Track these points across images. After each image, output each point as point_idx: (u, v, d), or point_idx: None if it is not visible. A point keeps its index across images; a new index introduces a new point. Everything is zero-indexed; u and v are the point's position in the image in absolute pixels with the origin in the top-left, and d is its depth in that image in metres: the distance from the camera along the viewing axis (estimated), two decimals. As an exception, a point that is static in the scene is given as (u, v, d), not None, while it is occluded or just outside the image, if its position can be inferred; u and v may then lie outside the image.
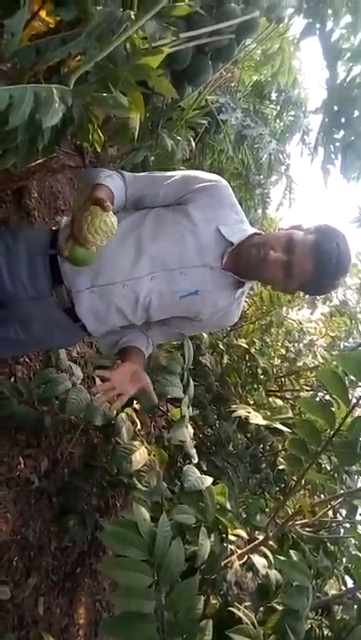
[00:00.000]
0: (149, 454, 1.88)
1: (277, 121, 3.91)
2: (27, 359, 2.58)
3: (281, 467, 2.66)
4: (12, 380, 2.41)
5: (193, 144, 2.70)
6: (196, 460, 1.76)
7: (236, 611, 1.41)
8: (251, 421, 2.44)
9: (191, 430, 2.17)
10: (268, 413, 2.83)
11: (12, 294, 1.42)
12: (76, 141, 3.53)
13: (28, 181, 2.82)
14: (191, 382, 1.82)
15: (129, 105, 1.57)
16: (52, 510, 2.34)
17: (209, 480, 1.56)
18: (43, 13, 1.73)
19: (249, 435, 2.77)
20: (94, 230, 1.15)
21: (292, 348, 4.32)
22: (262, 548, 1.67)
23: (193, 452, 1.78)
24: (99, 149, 1.74)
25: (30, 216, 2.96)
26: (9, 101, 1.32)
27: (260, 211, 4.54)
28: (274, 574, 1.63)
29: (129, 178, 1.45)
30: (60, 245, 1.22)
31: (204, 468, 2.71)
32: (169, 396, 1.74)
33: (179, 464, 2.42)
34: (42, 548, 2.23)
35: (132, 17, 1.39)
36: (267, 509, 2.52)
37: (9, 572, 2.02)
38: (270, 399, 3.31)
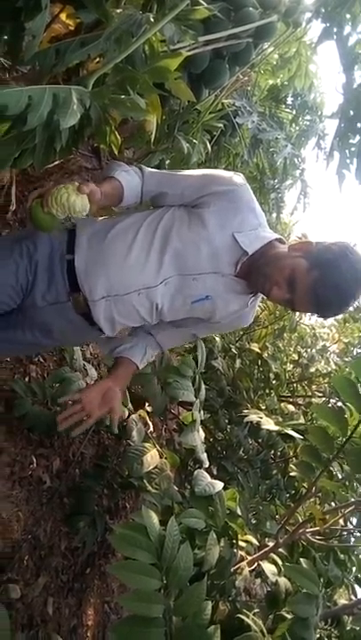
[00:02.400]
0: (161, 457, 1.87)
1: (293, 125, 3.90)
2: (41, 359, 2.60)
3: (292, 473, 2.64)
4: (27, 379, 2.43)
5: (209, 147, 2.70)
6: (206, 465, 1.75)
7: (244, 617, 1.40)
8: (262, 427, 2.42)
9: (202, 434, 2.16)
10: (280, 419, 2.81)
11: (31, 300, 1.43)
12: (92, 143, 3.56)
13: (45, 182, 2.85)
14: (203, 386, 1.81)
15: (146, 107, 1.58)
16: (62, 510, 2.34)
17: (220, 485, 1.55)
18: (63, 16, 1.74)
19: (260, 440, 2.75)
20: (54, 198, 1.18)
21: (304, 354, 4.29)
22: (272, 555, 1.65)
23: (204, 456, 1.78)
24: (115, 151, 1.74)
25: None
26: (28, 102, 1.34)
27: (274, 215, 4.52)
28: (283, 582, 1.62)
29: (147, 173, 1.44)
30: (29, 196, 1.25)
31: (215, 473, 2.70)
32: (180, 400, 1.73)
33: (189, 468, 2.41)
34: (52, 547, 2.23)
35: (151, 20, 1.40)
36: (277, 516, 2.49)
37: (19, 570, 2.03)
38: (282, 405, 3.29)
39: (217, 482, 1.54)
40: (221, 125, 2.66)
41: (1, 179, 2.39)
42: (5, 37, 1.59)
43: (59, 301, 1.41)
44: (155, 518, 1.24)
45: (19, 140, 1.50)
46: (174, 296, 1.38)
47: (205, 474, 1.56)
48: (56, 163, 2.68)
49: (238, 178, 1.40)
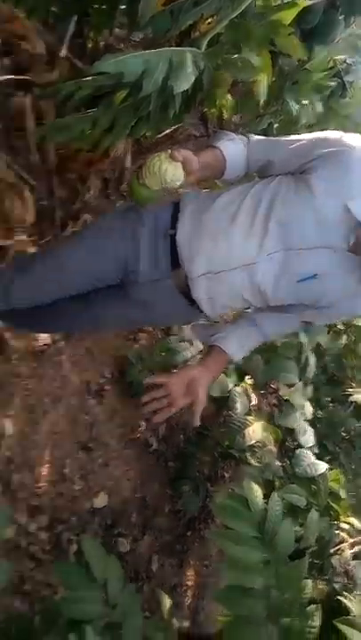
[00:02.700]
0: (264, 431, 1.84)
1: None
2: (150, 327, 2.67)
3: None
4: (137, 346, 2.52)
5: (319, 108, 2.51)
6: (309, 445, 1.68)
7: (344, 600, 1.35)
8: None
9: (310, 409, 2.09)
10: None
11: (134, 276, 1.39)
12: (201, 110, 3.50)
13: (154, 153, 2.86)
14: (312, 363, 1.72)
15: (257, 66, 1.50)
16: (167, 474, 2.43)
17: (323, 466, 1.49)
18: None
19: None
20: (147, 168, 1.14)
21: None
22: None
23: (305, 438, 1.70)
24: (226, 115, 1.69)
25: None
26: (143, 68, 1.33)
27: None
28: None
29: (253, 141, 1.34)
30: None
31: (316, 451, 2.62)
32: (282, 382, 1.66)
33: (287, 444, 2.35)
34: (157, 508, 2.33)
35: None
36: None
37: (128, 526, 2.15)
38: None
39: (320, 463, 1.47)
40: (333, 84, 2.46)
41: (115, 150, 2.44)
42: (124, 6, 1.60)
43: (160, 278, 1.37)
44: (258, 491, 1.22)
45: (135, 108, 1.51)
46: (279, 275, 1.25)
47: (309, 454, 1.50)
48: (165, 132, 2.67)
49: (350, 138, 1.23)
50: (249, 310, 1.44)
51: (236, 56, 1.35)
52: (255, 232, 1.24)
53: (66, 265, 1.44)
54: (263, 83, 1.79)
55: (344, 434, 2.71)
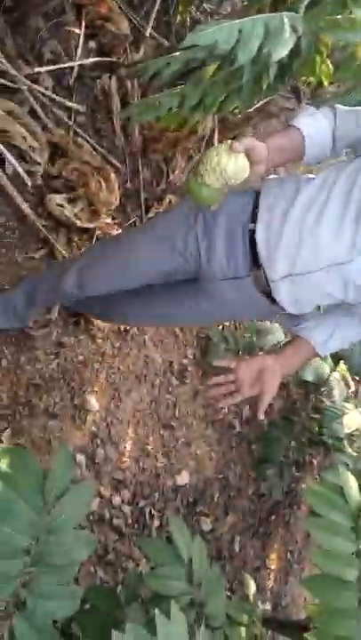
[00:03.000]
0: (363, 419, 1.76)
1: None
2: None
3: None
4: (220, 327, 2.49)
5: None
6: None
7: None
8: None
9: None
10: None
11: (209, 273, 1.27)
12: (291, 83, 3.35)
13: (244, 129, 2.78)
14: None
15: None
16: (250, 457, 2.41)
17: None
18: None
19: None
20: (205, 165, 0.96)
21: None
22: None
23: None
24: (326, 83, 1.59)
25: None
26: (237, 37, 1.28)
27: None
28: None
29: (341, 113, 1.15)
30: None
31: None
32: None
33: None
34: (240, 490, 2.33)
35: None
36: None
37: (210, 506, 2.17)
38: None
39: None
40: None
41: (203, 128, 2.40)
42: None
43: (237, 276, 1.22)
44: (353, 481, 1.17)
45: (225, 82, 1.46)
46: None
47: None
48: (256, 106, 2.58)
49: None
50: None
51: (339, 16, 1.25)
52: (346, 230, 1.08)
53: (135, 250, 1.36)
54: (367, 46, 1.66)
55: None
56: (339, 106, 1.18)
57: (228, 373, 1.17)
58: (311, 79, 1.89)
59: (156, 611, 0.87)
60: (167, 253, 1.28)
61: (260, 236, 1.16)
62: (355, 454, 1.61)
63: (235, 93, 1.52)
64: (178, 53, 1.41)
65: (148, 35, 2.30)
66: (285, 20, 1.28)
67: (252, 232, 1.18)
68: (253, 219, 1.18)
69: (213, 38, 1.28)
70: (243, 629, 1.23)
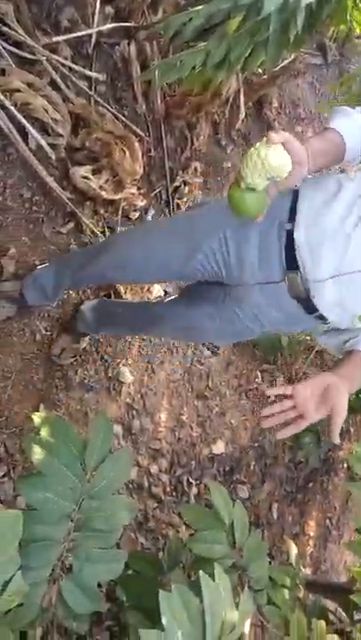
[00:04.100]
0: None
1: None
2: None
3: None
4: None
5: None
6: None
7: None
8: None
9: None
10: None
11: (239, 280, 1.21)
12: (318, 38, 3.20)
13: (270, 89, 2.68)
14: None
15: None
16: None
17: None
18: None
19: None
20: (247, 164, 0.90)
21: None
22: None
23: None
24: (358, 29, 1.50)
25: (270, 128, 2.85)
26: (264, -16, 1.21)
27: None
28: None
29: None
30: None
31: None
32: None
33: None
34: (276, 458, 2.32)
35: None
36: None
37: (247, 474, 2.17)
38: None
39: None
40: None
41: (227, 90, 2.32)
42: None
43: (271, 281, 1.16)
44: None
45: (251, 35, 1.40)
46: None
47: None
48: (282, 65, 2.48)
49: None
50: None
51: None
52: None
53: (153, 240, 1.33)
54: None
55: None
56: None
57: (285, 400, 1.03)
58: (341, 29, 1.80)
59: (200, 572, 0.87)
60: (190, 252, 1.23)
61: (300, 236, 1.10)
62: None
63: (261, 47, 1.45)
64: (200, 7, 1.35)
65: (166, -6, 2.22)
66: None
67: (290, 232, 1.11)
68: (291, 218, 1.12)
69: (238, -14, 1.22)
70: (286, 591, 1.24)
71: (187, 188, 2.24)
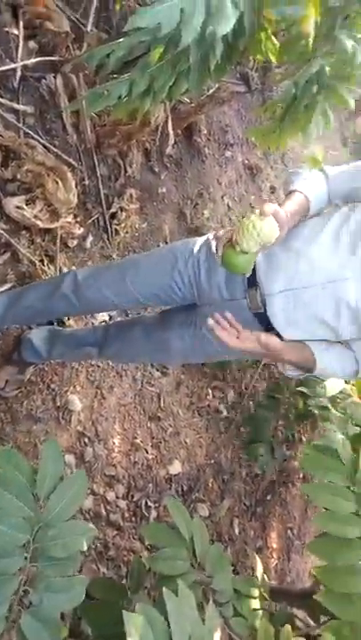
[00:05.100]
0: (346, 382, 1.78)
1: None
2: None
3: None
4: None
5: (378, 42, 2.34)
6: None
7: None
8: None
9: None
10: None
11: (208, 298, 1.37)
12: (241, 68, 3.38)
13: (197, 117, 2.79)
14: None
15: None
16: (240, 439, 2.42)
17: None
18: None
19: None
20: (242, 234, 1.07)
21: None
22: None
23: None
24: (274, 60, 1.60)
25: (201, 154, 2.95)
26: (179, 17, 1.28)
27: None
28: None
29: (333, 175, 1.29)
30: (216, 245, 1.14)
31: None
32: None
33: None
34: (233, 473, 2.34)
35: None
36: None
37: (205, 492, 2.17)
38: None
39: None
40: (393, 10, 2.28)
41: (155, 119, 2.39)
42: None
43: (235, 298, 1.31)
44: (347, 443, 1.18)
45: (173, 65, 1.46)
46: None
47: None
48: (207, 94, 2.59)
49: None
50: None
51: (279, -8, 1.26)
52: (342, 250, 1.17)
53: (136, 264, 1.47)
54: (311, 19, 1.68)
55: None
56: (328, 167, 1.32)
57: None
58: (259, 59, 1.90)
59: (164, 589, 0.86)
60: (168, 271, 1.39)
61: (260, 257, 1.24)
62: (340, 415, 1.63)
63: (183, 77, 1.51)
64: (121, 40, 1.40)
65: (89, 30, 2.28)
66: (226, -5, 1.28)
67: None
68: None
69: (155, 20, 1.28)
70: (252, 602, 1.24)
71: (124, 214, 2.27)
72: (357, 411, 1.66)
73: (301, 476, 2.69)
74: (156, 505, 2.02)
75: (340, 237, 1.18)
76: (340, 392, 1.68)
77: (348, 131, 5.73)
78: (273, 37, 1.59)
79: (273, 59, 1.64)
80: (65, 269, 1.94)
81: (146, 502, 1.99)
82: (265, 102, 3.62)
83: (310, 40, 1.98)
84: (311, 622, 1.55)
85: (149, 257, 1.54)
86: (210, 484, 2.21)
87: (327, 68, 2.37)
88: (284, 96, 2.34)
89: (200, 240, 1.40)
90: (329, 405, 1.68)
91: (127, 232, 2.31)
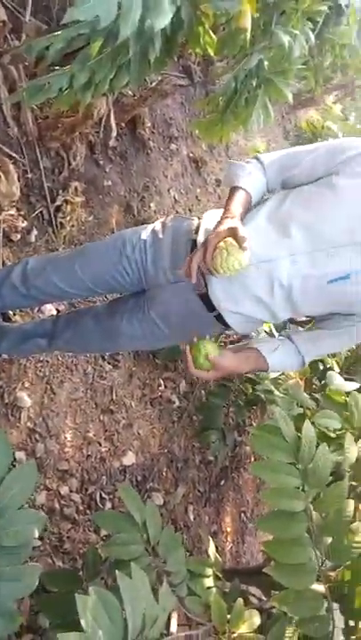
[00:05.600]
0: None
1: None
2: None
3: None
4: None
5: (312, 38, 2.42)
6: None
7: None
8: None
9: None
10: None
11: (154, 281, 1.41)
12: (182, 63, 3.41)
13: (141, 109, 2.79)
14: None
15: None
16: (193, 427, 2.47)
17: (354, 385, 1.50)
18: None
19: None
20: (227, 267, 1.12)
21: None
22: None
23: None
24: (212, 53, 1.63)
25: (146, 147, 2.96)
26: (117, 10, 1.28)
27: None
28: None
29: (268, 165, 1.33)
30: (189, 268, 1.16)
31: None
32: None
33: (314, 386, 2.38)
34: (187, 461, 2.38)
35: None
36: None
37: (160, 481, 2.20)
38: None
39: (350, 382, 1.49)
40: (325, 8, 2.35)
41: (98, 111, 2.38)
42: None
43: (179, 281, 1.36)
44: (288, 420, 1.24)
45: (113, 58, 1.47)
46: (307, 276, 1.21)
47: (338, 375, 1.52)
48: (150, 87, 2.60)
49: None
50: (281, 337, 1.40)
51: (215, -14, 1.29)
52: (273, 233, 1.24)
53: (85, 252, 1.50)
54: (248, 14, 1.71)
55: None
56: (263, 157, 1.35)
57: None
58: (198, 52, 1.93)
59: (117, 571, 0.88)
60: (116, 257, 1.42)
61: (200, 239, 1.32)
62: (282, 396, 1.71)
63: (124, 70, 1.52)
64: (60, 32, 1.39)
65: (27, 20, 2.24)
66: (162, -10, 1.30)
67: (195, 241, 1.34)
68: (197, 231, 1.35)
69: (93, 13, 1.27)
70: (205, 580, 1.28)
71: (69, 208, 2.25)
72: (298, 391, 1.73)
73: (253, 460, 2.77)
74: (111, 497, 2.03)
75: (273, 220, 1.25)
76: (282, 374, 1.75)
77: (290, 124, 5.88)
78: (211, 32, 1.62)
79: (211, 52, 1.66)
80: (9, 263, 1.91)
81: (100, 494, 2.00)
82: (208, 95, 3.67)
83: (248, 35, 2.04)
84: (264, 598, 1.62)
85: (98, 244, 1.56)
86: (164, 473, 2.25)
87: (266, 63, 2.44)
88: (225, 89, 2.38)
89: (149, 227, 1.45)
90: (272, 387, 1.74)
91: (73, 225, 2.30)
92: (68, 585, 1.20)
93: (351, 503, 1.22)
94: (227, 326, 1.37)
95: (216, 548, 1.81)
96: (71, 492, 1.90)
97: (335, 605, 1.21)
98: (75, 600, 1.12)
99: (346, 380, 1.90)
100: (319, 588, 1.20)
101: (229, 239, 1.14)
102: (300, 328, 2.15)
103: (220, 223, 1.18)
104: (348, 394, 1.60)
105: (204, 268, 1.17)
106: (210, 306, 1.33)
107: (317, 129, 5.45)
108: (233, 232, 1.13)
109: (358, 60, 3.47)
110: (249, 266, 1.15)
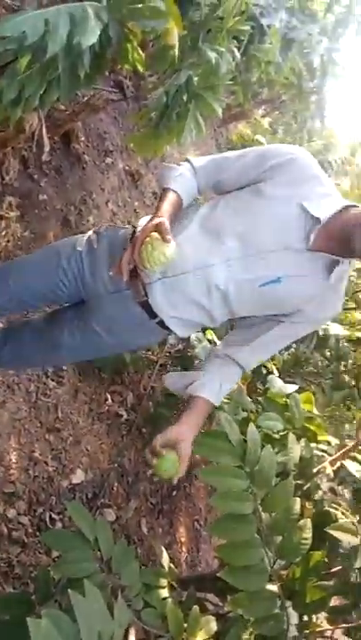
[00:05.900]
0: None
1: (327, 16, 3.52)
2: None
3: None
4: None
5: (238, 55, 2.52)
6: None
7: (333, 510, 1.44)
8: (330, 333, 2.39)
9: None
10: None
11: (94, 292, 1.40)
12: (114, 78, 3.43)
13: (74, 124, 2.79)
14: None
15: (165, 11, 1.48)
16: (142, 440, 2.45)
17: (293, 387, 1.55)
18: None
19: (329, 354, 2.73)
20: (153, 261, 1.14)
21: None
22: (354, 454, 1.67)
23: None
24: (142, 70, 1.66)
25: (81, 161, 2.96)
26: (45, 27, 1.29)
27: (317, 122, 4.23)
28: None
29: (199, 168, 1.36)
30: (120, 266, 1.18)
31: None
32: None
33: (258, 390, 2.44)
34: (138, 474, 2.37)
35: None
36: (354, 421, 2.50)
37: (111, 496, 2.18)
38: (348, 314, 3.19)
39: (290, 385, 1.54)
40: (249, 28, 2.46)
41: (30, 126, 2.36)
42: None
43: (118, 290, 1.36)
44: (233, 424, 1.27)
45: (42, 73, 1.46)
46: (241, 281, 1.25)
47: (278, 379, 1.57)
48: (82, 102, 2.61)
49: (296, 148, 1.32)
50: (218, 347, 1.43)
51: (141, 5, 1.33)
52: (211, 237, 1.27)
53: (21, 266, 1.49)
54: (174, 31, 1.76)
55: (313, 368, 2.82)
56: (194, 160, 1.38)
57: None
58: (127, 68, 1.97)
59: (69, 590, 0.87)
60: (51, 269, 1.41)
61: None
62: (227, 401, 1.74)
63: (54, 85, 1.52)
64: (-14, 48, 1.37)
65: None
66: (89, 9, 1.32)
67: None
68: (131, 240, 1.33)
69: (20, 28, 1.28)
70: (161, 591, 1.28)
71: (3, 223, 2.21)
72: (241, 396, 1.77)
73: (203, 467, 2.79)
74: (61, 517, 1.98)
75: (206, 227, 1.28)
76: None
77: (222, 137, 6.04)
78: (139, 48, 1.65)
79: (141, 68, 1.70)
80: None
81: (50, 515, 1.95)
82: (140, 110, 3.71)
83: (176, 51, 2.09)
84: (220, 603, 1.63)
85: (32, 257, 1.55)
86: (115, 488, 2.22)
87: (195, 79, 2.51)
88: (157, 104, 2.43)
89: (82, 237, 1.44)
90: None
91: (9, 241, 2.25)
92: (21, 610, 1.16)
93: (298, 501, 1.26)
94: (170, 331, 1.39)
95: (171, 558, 1.80)
96: (19, 514, 1.84)
97: (288, 603, 1.25)
98: (27, 625, 1.10)
99: (286, 382, 1.98)
100: (272, 587, 1.22)
101: (155, 234, 1.15)
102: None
103: (149, 222, 1.20)
104: (288, 396, 1.67)
105: (133, 264, 1.18)
106: (151, 313, 1.34)
107: (248, 142, 5.64)
108: (158, 227, 1.16)
109: (283, 76, 3.62)
110: (174, 259, 1.16)
